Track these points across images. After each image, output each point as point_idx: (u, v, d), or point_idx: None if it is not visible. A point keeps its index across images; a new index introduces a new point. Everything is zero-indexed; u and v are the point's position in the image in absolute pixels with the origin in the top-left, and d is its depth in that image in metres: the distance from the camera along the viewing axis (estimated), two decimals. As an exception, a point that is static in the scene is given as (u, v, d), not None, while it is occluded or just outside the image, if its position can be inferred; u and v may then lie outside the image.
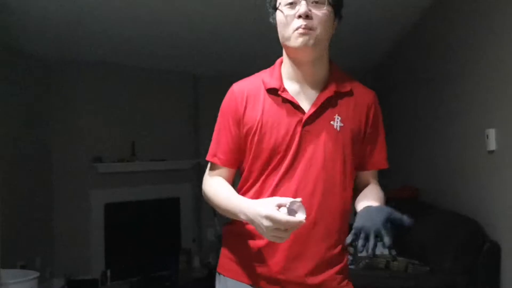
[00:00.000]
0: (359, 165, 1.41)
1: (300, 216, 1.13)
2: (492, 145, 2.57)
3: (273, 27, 1.38)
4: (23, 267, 3.91)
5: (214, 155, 1.42)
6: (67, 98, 4.87)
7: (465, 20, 2.99)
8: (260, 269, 1.33)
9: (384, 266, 2.77)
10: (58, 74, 4.84)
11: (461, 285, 2.48)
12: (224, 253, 1.45)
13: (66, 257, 4.71)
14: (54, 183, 4.76)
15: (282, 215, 1.13)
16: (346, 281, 1.38)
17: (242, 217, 1.25)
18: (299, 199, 1.16)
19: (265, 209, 1.15)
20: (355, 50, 4.84)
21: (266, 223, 1.14)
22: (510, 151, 2.42)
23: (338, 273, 1.36)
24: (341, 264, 1.38)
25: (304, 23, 1.28)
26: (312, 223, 1.30)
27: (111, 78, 5.09)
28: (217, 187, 1.39)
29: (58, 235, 4.74)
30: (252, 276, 1.34)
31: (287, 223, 1.12)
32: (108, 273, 4.86)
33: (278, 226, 1.13)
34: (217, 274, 1.45)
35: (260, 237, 1.30)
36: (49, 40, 4.18)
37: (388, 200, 4.56)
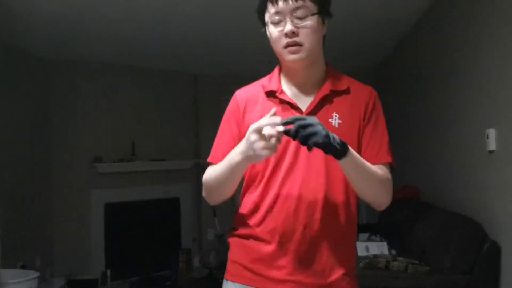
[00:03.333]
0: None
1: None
2: (492, 145, 2.57)
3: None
4: (23, 267, 3.91)
5: (214, 157, 1.44)
6: (67, 98, 4.87)
7: (465, 21, 2.99)
8: (269, 273, 1.33)
9: (384, 266, 2.77)
10: (58, 74, 4.84)
11: (461, 285, 2.48)
12: (231, 259, 1.44)
13: (66, 257, 4.71)
14: (54, 183, 4.75)
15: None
16: (355, 281, 1.38)
17: (239, 156, 1.26)
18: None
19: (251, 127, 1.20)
20: (356, 51, 4.84)
21: (253, 137, 1.17)
22: (510, 151, 2.42)
23: (346, 274, 1.35)
24: (351, 264, 1.38)
25: (291, 40, 1.33)
26: (317, 219, 1.31)
27: (111, 78, 5.09)
28: (212, 167, 1.42)
29: (58, 235, 4.73)
30: (261, 280, 1.34)
31: (264, 120, 1.17)
32: (108, 273, 4.86)
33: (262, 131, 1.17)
34: (224, 281, 1.44)
35: (267, 241, 1.33)
36: (49, 40, 4.18)
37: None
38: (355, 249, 1.44)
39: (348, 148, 1.21)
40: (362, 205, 5.60)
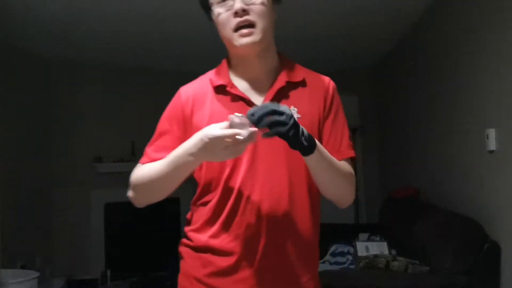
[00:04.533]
0: None
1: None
2: (492, 145, 2.57)
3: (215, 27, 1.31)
4: (23, 267, 3.90)
5: (150, 159, 1.29)
6: (68, 98, 4.87)
7: (465, 20, 2.99)
8: (229, 286, 1.21)
9: (384, 266, 2.77)
10: (58, 74, 4.84)
11: (461, 285, 2.48)
12: (184, 272, 1.29)
13: (66, 257, 4.71)
14: (54, 183, 4.75)
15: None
16: (318, 282, 1.31)
17: (189, 158, 1.14)
18: (239, 115, 1.06)
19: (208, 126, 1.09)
20: (355, 50, 4.85)
21: (215, 143, 1.06)
22: (510, 151, 2.42)
23: (311, 278, 1.27)
24: (315, 266, 1.30)
25: (242, 19, 1.20)
26: (282, 226, 1.21)
27: (111, 78, 5.09)
28: (146, 166, 1.28)
29: (58, 235, 4.73)
30: None
31: (228, 132, 1.05)
32: (108, 273, 4.85)
33: (225, 134, 1.05)
34: None
35: (228, 252, 1.21)
36: (50, 40, 4.18)
37: (389, 199, 4.56)
38: (318, 249, 1.33)
39: (315, 143, 1.11)
40: (362, 205, 5.60)
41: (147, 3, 3.36)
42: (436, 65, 3.53)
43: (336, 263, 3.42)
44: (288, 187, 1.22)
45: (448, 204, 3.20)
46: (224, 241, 1.22)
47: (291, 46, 2.66)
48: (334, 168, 1.19)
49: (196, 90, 1.31)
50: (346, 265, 3.38)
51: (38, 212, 4.49)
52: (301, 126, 1.07)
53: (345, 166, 1.25)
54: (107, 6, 3.38)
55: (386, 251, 3.18)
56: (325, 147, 1.21)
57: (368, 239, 3.67)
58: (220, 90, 1.28)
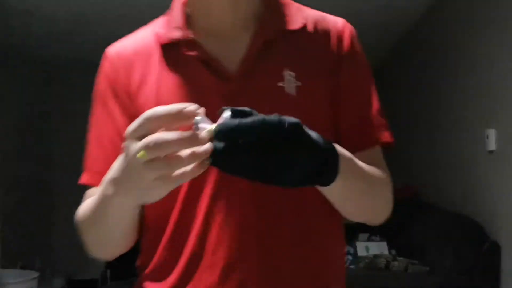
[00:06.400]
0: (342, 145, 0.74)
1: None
2: (492, 145, 2.57)
3: None
4: (23, 267, 3.91)
5: (91, 172, 0.83)
6: (68, 98, 4.86)
7: (465, 21, 2.99)
8: None
9: (384, 266, 2.77)
10: (59, 74, 4.84)
11: (461, 285, 2.48)
12: None
13: (66, 257, 4.71)
14: (54, 183, 4.75)
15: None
16: None
17: (111, 189, 0.65)
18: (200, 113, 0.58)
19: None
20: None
21: (137, 144, 0.56)
22: (510, 151, 2.42)
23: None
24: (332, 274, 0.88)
25: None
26: (279, 253, 0.78)
27: (111, 78, 5.09)
28: (85, 202, 0.81)
29: (58, 235, 4.73)
30: None
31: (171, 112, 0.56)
32: (108, 273, 4.85)
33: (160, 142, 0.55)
34: None
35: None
36: (50, 41, 4.18)
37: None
38: (343, 252, 0.93)
39: (338, 164, 0.63)
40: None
41: (149, 3, 3.36)
42: (437, 66, 3.53)
43: (336, 263, 3.42)
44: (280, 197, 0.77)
45: (448, 204, 3.20)
46: None
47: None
48: (368, 182, 0.76)
49: (134, 49, 0.85)
50: (346, 265, 3.38)
51: (38, 212, 4.49)
52: (323, 146, 0.60)
53: (377, 169, 0.81)
54: (107, 6, 3.38)
55: (386, 251, 3.18)
56: (344, 129, 0.81)
57: (368, 239, 3.67)
58: (172, 48, 0.81)
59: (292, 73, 0.79)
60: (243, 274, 0.75)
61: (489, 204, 2.65)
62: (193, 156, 0.55)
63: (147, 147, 0.55)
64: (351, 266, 3.31)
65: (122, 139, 0.69)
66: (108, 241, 0.80)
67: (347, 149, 0.73)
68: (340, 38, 0.84)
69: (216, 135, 0.54)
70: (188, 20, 0.83)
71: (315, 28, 0.84)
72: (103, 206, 0.69)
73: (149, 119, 0.57)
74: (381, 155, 0.86)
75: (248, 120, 0.55)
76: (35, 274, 3.39)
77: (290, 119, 0.56)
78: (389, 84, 5.02)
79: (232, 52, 0.79)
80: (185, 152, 0.55)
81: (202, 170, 0.57)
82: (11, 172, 4.01)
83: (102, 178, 0.69)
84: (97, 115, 0.90)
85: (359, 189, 0.74)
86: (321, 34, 0.83)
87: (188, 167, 0.57)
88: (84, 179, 0.84)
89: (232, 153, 0.54)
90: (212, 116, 0.59)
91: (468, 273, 2.50)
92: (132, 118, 0.68)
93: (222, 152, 0.54)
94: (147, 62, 0.82)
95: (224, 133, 0.54)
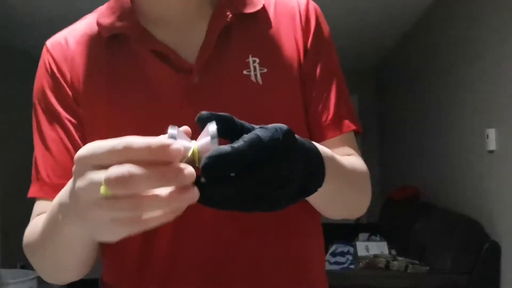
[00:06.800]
0: (309, 133, 0.76)
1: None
2: (492, 145, 2.57)
3: None
4: (23, 267, 3.91)
5: (41, 182, 0.72)
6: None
7: (466, 20, 2.99)
8: None
9: (384, 266, 2.78)
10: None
11: (461, 285, 2.48)
12: None
13: (66, 257, 4.71)
14: (54, 183, 4.76)
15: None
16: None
17: (59, 213, 0.52)
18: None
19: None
20: (356, 50, 4.85)
21: (96, 174, 0.41)
22: (510, 151, 2.42)
23: None
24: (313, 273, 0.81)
25: None
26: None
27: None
28: (38, 217, 0.71)
29: (58, 235, 4.73)
30: None
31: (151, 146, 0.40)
32: (108, 273, 4.85)
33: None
34: None
35: None
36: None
37: (389, 199, 4.57)
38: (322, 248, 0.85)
39: (323, 165, 0.55)
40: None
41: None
42: (436, 65, 3.53)
43: (336, 263, 3.42)
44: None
45: (448, 204, 3.20)
46: None
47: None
48: (349, 182, 0.71)
49: (76, 42, 0.76)
50: (346, 265, 3.38)
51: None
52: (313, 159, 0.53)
53: (356, 159, 0.78)
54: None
55: (386, 251, 3.19)
56: (312, 116, 0.76)
57: (368, 239, 3.68)
58: (118, 40, 0.72)
59: (256, 59, 0.72)
60: (226, 277, 0.70)
61: (489, 204, 2.65)
62: (176, 199, 0.41)
63: (113, 183, 0.39)
64: (351, 266, 3.31)
65: (72, 141, 0.70)
66: (61, 268, 0.73)
67: (317, 138, 0.71)
68: (305, 19, 0.77)
69: (204, 170, 0.42)
70: (135, 7, 0.74)
71: (278, 9, 0.77)
72: (53, 231, 0.58)
73: (118, 151, 0.40)
74: (354, 139, 0.80)
75: (242, 146, 0.43)
76: (35, 274, 3.40)
77: (281, 128, 0.46)
78: (390, 84, 5.02)
79: (189, 41, 0.72)
80: (163, 192, 0.41)
81: (179, 213, 0.42)
82: (11, 172, 4.01)
83: (52, 190, 0.63)
84: (40, 118, 0.75)
85: (342, 189, 0.69)
86: (285, 16, 0.77)
87: (161, 210, 0.41)
88: (32, 192, 0.73)
89: (223, 186, 0.43)
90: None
91: (468, 273, 2.50)
92: (79, 118, 0.69)
93: (211, 188, 0.43)
94: (91, 56, 0.73)
95: (216, 168, 0.42)
